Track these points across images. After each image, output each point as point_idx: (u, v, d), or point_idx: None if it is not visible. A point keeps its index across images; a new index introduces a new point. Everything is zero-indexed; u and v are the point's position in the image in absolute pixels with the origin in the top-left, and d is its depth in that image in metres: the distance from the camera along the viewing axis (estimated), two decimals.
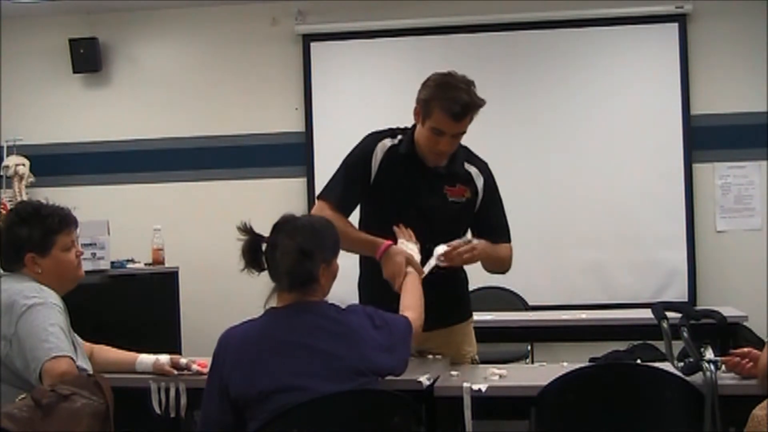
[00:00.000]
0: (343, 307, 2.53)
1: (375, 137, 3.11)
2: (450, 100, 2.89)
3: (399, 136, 3.09)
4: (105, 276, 5.23)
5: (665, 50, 5.87)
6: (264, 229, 2.53)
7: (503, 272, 3.25)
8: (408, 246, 2.94)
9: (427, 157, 3.04)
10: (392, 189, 3.05)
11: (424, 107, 2.96)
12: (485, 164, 3.16)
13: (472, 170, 3.10)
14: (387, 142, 3.08)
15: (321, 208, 3.04)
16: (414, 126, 3.06)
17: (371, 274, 3.05)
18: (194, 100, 6.34)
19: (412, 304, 2.78)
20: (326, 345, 2.39)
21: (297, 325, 2.42)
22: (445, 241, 2.97)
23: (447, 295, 3.13)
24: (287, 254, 2.42)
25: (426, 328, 2.89)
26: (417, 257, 2.93)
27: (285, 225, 2.50)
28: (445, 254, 2.93)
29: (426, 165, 3.05)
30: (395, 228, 2.98)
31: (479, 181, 3.10)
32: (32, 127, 6.26)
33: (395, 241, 2.96)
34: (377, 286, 2.95)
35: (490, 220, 3.13)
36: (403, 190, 3.04)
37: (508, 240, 3.19)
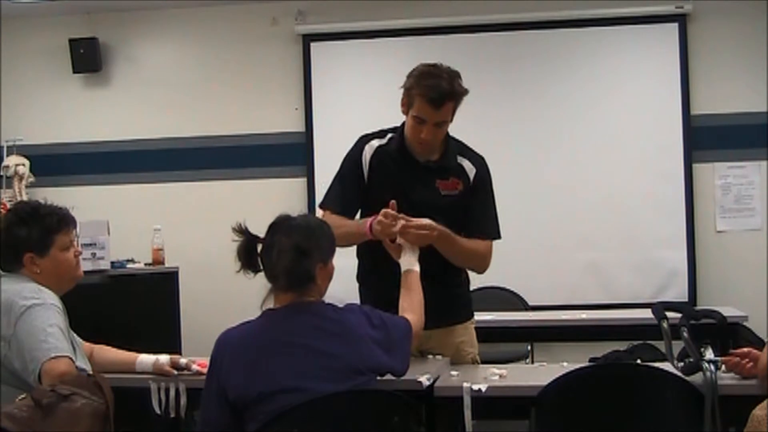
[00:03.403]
0: (341, 306, 2.53)
1: (363, 140, 3.15)
2: (428, 87, 2.93)
3: (389, 135, 3.13)
4: (105, 276, 5.23)
5: (665, 50, 5.87)
6: (264, 229, 2.53)
7: (479, 270, 3.17)
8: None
9: (416, 150, 3.05)
10: (384, 186, 3.06)
11: (407, 96, 3.01)
12: (480, 158, 3.15)
13: (465, 163, 3.10)
14: (375, 143, 3.12)
15: (323, 216, 3.07)
16: (405, 122, 3.08)
17: (370, 268, 3.06)
18: (194, 100, 6.34)
19: (412, 306, 2.78)
20: (324, 345, 2.39)
21: (295, 325, 2.42)
22: None
23: (447, 294, 3.13)
24: (284, 253, 2.42)
25: (426, 327, 2.88)
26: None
27: (281, 225, 2.49)
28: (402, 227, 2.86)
29: (417, 160, 3.07)
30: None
31: (471, 173, 3.10)
32: (32, 127, 6.26)
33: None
34: (376, 280, 2.95)
35: (471, 211, 3.10)
36: (396, 185, 3.05)
37: (489, 236, 3.12)
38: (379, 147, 3.11)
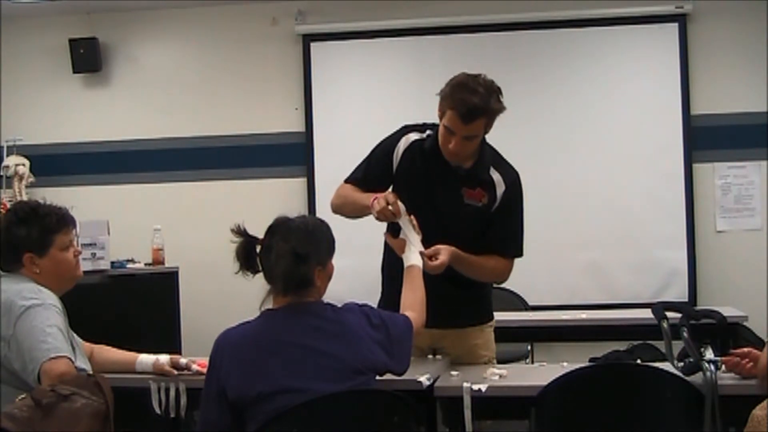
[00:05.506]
0: (340, 306, 2.52)
1: (404, 130, 3.12)
2: (460, 100, 2.86)
3: (428, 132, 3.07)
4: (105, 276, 5.23)
5: (665, 50, 5.87)
6: (264, 229, 2.52)
7: (498, 283, 3.24)
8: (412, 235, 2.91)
9: (446, 154, 3.02)
10: (410, 182, 3.05)
11: (441, 103, 2.96)
12: (514, 175, 3.08)
13: (496, 176, 3.04)
14: (412, 136, 3.08)
15: (341, 186, 3.12)
16: None
17: (394, 258, 3.04)
18: (194, 100, 6.34)
19: (412, 303, 2.77)
20: (323, 345, 2.38)
21: (293, 325, 2.41)
22: (456, 242, 2.95)
23: (466, 296, 3.12)
24: (282, 258, 2.41)
25: (440, 326, 2.88)
26: (419, 247, 2.89)
27: (279, 227, 2.49)
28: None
29: (448, 163, 3.02)
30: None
31: (500, 189, 3.04)
32: (32, 127, 6.26)
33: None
34: (398, 271, 2.94)
35: (496, 229, 3.06)
36: (421, 184, 3.04)
37: (511, 255, 3.10)
38: (414, 141, 3.07)
